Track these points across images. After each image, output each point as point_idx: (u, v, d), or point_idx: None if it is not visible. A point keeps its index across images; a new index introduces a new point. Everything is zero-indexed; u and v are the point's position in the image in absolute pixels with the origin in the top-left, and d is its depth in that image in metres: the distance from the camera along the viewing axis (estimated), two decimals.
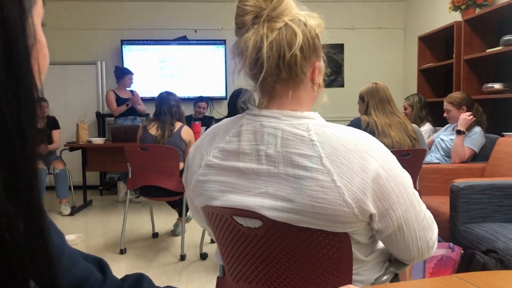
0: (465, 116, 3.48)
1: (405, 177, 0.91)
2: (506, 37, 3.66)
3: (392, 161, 0.90)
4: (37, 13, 0.38)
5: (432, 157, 3.68)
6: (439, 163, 3.57)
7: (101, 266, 0.68)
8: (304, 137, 0.88)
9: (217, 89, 6.34)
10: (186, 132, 3.58)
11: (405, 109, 4.35)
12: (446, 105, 3.68)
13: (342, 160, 0.85)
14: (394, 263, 1.03)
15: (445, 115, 3.73)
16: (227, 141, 0.96)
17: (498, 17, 4.02)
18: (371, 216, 0.88)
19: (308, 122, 0.91)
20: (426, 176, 3.28)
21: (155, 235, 3.95)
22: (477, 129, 3.51)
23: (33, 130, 0.35)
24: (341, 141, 0.87)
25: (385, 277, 1.00)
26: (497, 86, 3.85)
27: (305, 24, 0.90)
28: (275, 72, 0.89)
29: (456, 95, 3.70)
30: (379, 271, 1.01)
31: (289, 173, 0.87)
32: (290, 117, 0.91)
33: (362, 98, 2.79)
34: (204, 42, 6.32)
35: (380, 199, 0.86)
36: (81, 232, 4.00)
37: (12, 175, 0.33)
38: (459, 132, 3.46)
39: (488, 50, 3.95)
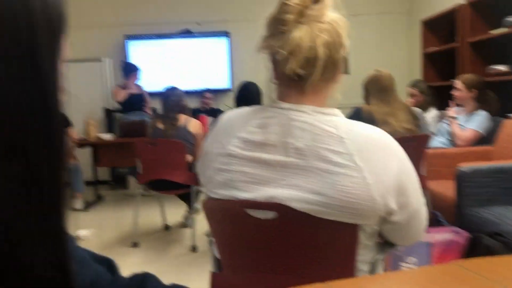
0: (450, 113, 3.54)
1: (414, 172, 0.98)
2: (510, 18, 3.64)
3: (406, 157, 0.96)
4: (63, 55, 0.41)
5: (438, 142, 3.69)
6: (444, 147, 3.58)
7: (111, 267, 0.69)
8: (333, 133, 0.91)
9: (222, 80, 6.36)
10: (194, 125, 3.63)
11: (413, 96, 4.34)
12: (457, 84, 3.65)
13: (370, 158, 0.90)
14: (388, 243, 1.08)
15: (453, 92, 3.70)
16: (250, 131, 0.98)
17: None
18: (390, 211, 0.92)
19: (335, 119, 0.95)
20: (432, 161, 3.29)
21: (166, 227, 4.02)
22: (482, 112, 3.51)
23: (63, 151, 0.39)
24: (367, 139, 0.92)
25: (382, 256, 1.06)
26: (501, 68, 3.85)
27: (343, 26, 0.95)
28: (322, 71, 0.92)
29: (468, 76, 3.68)
30: (376, 251, 1.06)
31: (319, 167, 0.90)
32: (319, 113, 0.95)
33: (364, 87, 2.82)
34: (207, 34, 6.33)
35: (400, 195, 0.92)
36: (94, 227, 4.07)
37: (40, 196, 0.37)
38: (452, 117, 3.49)
39: (491, 32, 3.93)
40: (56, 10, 0.39)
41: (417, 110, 2.90)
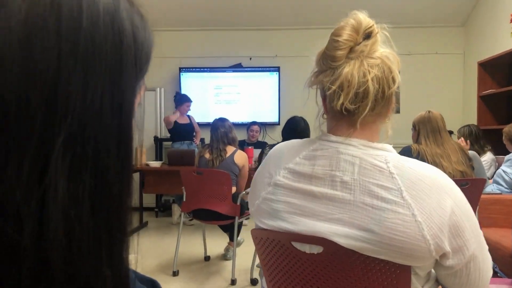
0: None
1: (474, 214, 0.92)
2: None
3: (464, 198, 0.91)
4: (140, 96, 0.44)
5: (494, 188, 3.52)
6: (500, 193, 3.40)
7: None
8: (383, 168, 0.90)
9: (271, 114, 6.43)
10: (240, 157, 3.66)
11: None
12: (504, 134, 3.53)
13: (421, 195, 0.86)
14: None
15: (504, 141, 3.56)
16: (297, 162, 0.98)
17: None
18: (444, 254, 0.87)
19: (385, 154, 0.93)
20: (486, 207, 3.13)
21: (207, 258, 4.00)
22: None
23: (132, 173, 0.42)
24: (419, 176, 0.88)
25: None
26: None
27: (394, 61, 0.94)
28: (373, 106, 0.92)
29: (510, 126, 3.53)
30: None
31: (366, 202, 0.88)
32: (368, 147, 0.93)
33: (414, 126, 2.77)
34: (258, 69, 6.46)
35: (455, 237, 0.87)
36: (136, 252, 4.11)
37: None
38: None
39: None
40: (146, 50, 0.43)
41: (472, 152, 2.79)
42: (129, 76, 0.40)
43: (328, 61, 0.94)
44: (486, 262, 0.94)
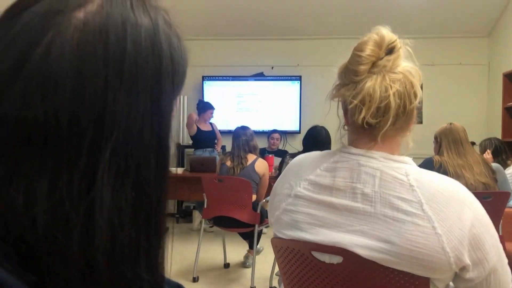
0: None
1: (493, 227, 0.93)
2: None
3: (483, 211, 0.92)
4: (175, 110, 0.48)
5: None
6: None
7: None
8: (403, 181, 0.91)
9: (291, 123, 6.45)
10: (260, 165, 3.68)
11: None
12: None
13: (441, 208, 0.87)
14: None
15: None
16: (318, 174, 0.99)
17: None
18: (463, 267, 0.88)
19: (405, 166, 0.94)
20: (511, 221, 3.08)
21: (226, 265, 4.03)
22: None
23: (168, 183, 0.46)
24: (439, 189, 0.90)
25: None
26: None
27: (416, 76, 0.96)
28: (394, 120, 0.93)
29: None
30: None
31: (387, 215, 0.89)
32: (389, 160, 0.95)
33: (436, 138, 2.77)
34: (280, 78, 6.49)
35: (475, 250, 0.88)
36: (169, 257, 4.16)
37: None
38: None
39: None
40: (182, 69, 0.47)
41: (496, 165, 2.76)
42: (167, 94, 0.44)
43: (350, 75, 0.95)
44: (506, 275, 0.94)
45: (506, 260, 0.95)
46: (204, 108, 5.60)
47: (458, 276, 0.90)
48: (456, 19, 5.94)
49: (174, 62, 0.45)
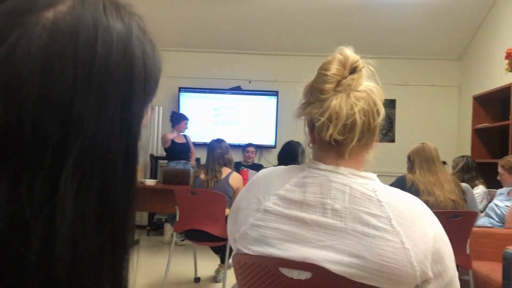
0: None
1: (449, 242, 0.97)
2: None
3: (441, 227, 0.96)
4: (146, 118, 0.47)
5: (486, 221, 3.53)
6: (492, 227, 3.41)
7: None
8: (371, 197, 0.93)
9: (267, 137, 6.47)
10: (235, 179, 3.66)
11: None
12: (499, 168, 3.59)
13: (408, 224, 0.90)
14: None
15: (498, 177, 3.61)
16: (288, 189, 0.99)
17: None
18: (426, 279, 0.90)
19: (372, 183, 0.97)
20: (477, 240, 3.14)
21: (197, 279, 3.97)
22: None
23: (136, 193, 0.44)
24: (404, 205, 0.93)
25: None
26: None
27: (378, 94, 0.99)
28: (359, 137, 0.96)
29: (509, 158, 3.59)
30: None
31: (357, 230, 0.90)
32: (356, 176, 0.97)
33: (409, 157, 2.85)
34: (257, 92, 6.53)
35: (436, 263, 0.91)
36: (134, 270, 4.07)
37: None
38: None
39: None
40: (155, 76, 0.46)
41: (465, 185, 2.83)
42: (138, 101, 0.42)
43: (316, 94, 0.98)
44: (458, 286, 0.99)
45: (457, 273, 0.99)
46: (178, 119, 5.57)
47: None
48: (429, 42, 6.11)
49: (147, 68, 0.43)
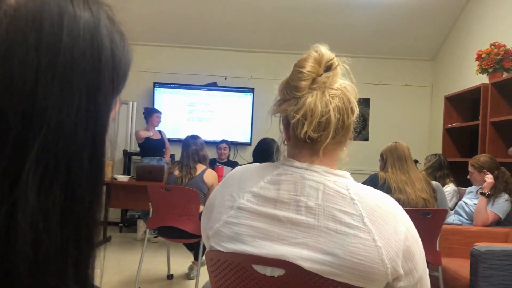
0: (489, 179, 3.44)
1: (420, 240, 0.98)
2: None
3: (413, 225, 0.97)
4: (114, 111, 0.45)
5: (455, 218, 3.62)
6: (461, 224, 3.50)
7: None
8: (344, 195, 0.93)
9: (243, 134, 6.46)
10: (209, 175, 3.65)
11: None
12: (469, 167, 3.67)
13: (380, 221, 0.91)
14: None
15: (468, 176, 3.70)
16: (262, 186, 0.99)
17: None
18: (397, 277, 0.91)
19: (346, 181, 0.97)
20: (447, 237, 3.22)
21: (170, 276, 3.94)
22: (505, 196, 3.44)
23: (102, 187, 0.43)
24: (376, 203, 0.94)
25: None
26: None
27: (352, 92, 1.00)
28: (334, 135, 0.96)
29: (479, 157, 3.68)
30: None
31: (330, 227, 0.91)
32: (330, 174, 0.97)
33: (381, 156, 2.89)
34: (233, 89, 6.51)
35: (407, 261, 0.92)
36: (97, 267, 4.01)
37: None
38: (483, 194, 3.41)
39: None
40: (124, 67, 0.44)
41: (436, 183, 2.89)
42: (105, 92, 0.41)
43: (292, 91, 0.98)
44: (428, 283, 1.00)
45: (427, 270, 1.01)
46: (150, 113, 5.51)
47: (390, 285, 0.93)
48: (403, 42, 6.21)
49: (115, 58, 0.42)
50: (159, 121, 5.56)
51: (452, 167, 4.48)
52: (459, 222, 3.55)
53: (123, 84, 0.45)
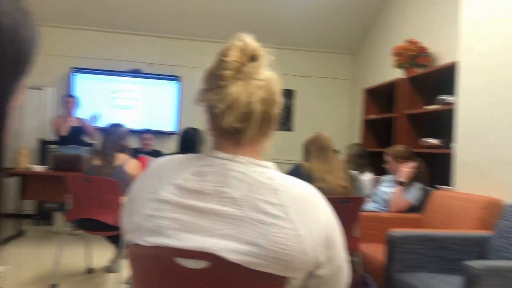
0: (405, 168, 3.67)
1: (339, 227, 1.00)
2: (441, 97, 3.94)
3: (333, 214, 0.99)
4: (20, 97, 0.41)
5: (372, 206, 3.82)
6: (378, 211, 3.70)
7: None
8: (268, 185, 0.93)
9: (168, 123, 6.33)
10: (132, 166, 3.53)
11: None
12: (387, 157, 3.90)
13: (303, 211, 0.92)
14: None
15: (386, 165, 3.93)
16: (186, 178, 0.96)
17: (436, 77, 4.33)
18: (318, 265, 0.93)
19: (270, 171, 0.97)
20: (365, 224, 3.38)
21: (90, 270, 3.79)
22: (417, 184, 3.70)
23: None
24: (299, 192, 0.95)
25: None
26: (432, 141, 4.10)
27: (277, 84, 0.99)
28: (258, 126, 0.95)
29: (395, 147, 3.92)
30: None
31: (254, 218, 0.90)
32: (255, 165, 0.97)
33: (304, 146, 2.97)
34: (158, 76, 6.34)
35: (328, 248, 0.94)
36: (11, 263, 3.77)
37: None
38: (400, 183, 3.63)
39: (425, 107, 4.23)
40: (27, 48, 0.41)
41: (354, 172, 3.03)
42: (4, 74, 0.37)
43: (216, 80, 0.96)
44: (347, 271, 1.04)
45: (347, 258, 1.04)
46: (62, 99, 5.26)
47: (311, 273, 0.96)
48: (325, 35, 6.41)
49: (17, 39, 0.38)
50: (73, 107, 5.29)
51: (370, 157, 4.71)
52: (376, 209, 3.76)
53: (27, 66, 0.41)
